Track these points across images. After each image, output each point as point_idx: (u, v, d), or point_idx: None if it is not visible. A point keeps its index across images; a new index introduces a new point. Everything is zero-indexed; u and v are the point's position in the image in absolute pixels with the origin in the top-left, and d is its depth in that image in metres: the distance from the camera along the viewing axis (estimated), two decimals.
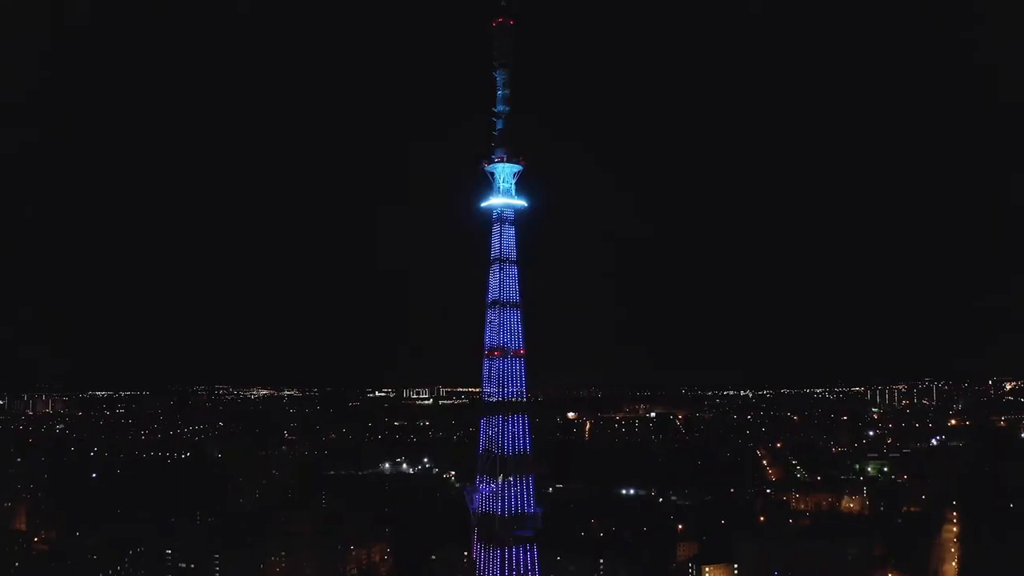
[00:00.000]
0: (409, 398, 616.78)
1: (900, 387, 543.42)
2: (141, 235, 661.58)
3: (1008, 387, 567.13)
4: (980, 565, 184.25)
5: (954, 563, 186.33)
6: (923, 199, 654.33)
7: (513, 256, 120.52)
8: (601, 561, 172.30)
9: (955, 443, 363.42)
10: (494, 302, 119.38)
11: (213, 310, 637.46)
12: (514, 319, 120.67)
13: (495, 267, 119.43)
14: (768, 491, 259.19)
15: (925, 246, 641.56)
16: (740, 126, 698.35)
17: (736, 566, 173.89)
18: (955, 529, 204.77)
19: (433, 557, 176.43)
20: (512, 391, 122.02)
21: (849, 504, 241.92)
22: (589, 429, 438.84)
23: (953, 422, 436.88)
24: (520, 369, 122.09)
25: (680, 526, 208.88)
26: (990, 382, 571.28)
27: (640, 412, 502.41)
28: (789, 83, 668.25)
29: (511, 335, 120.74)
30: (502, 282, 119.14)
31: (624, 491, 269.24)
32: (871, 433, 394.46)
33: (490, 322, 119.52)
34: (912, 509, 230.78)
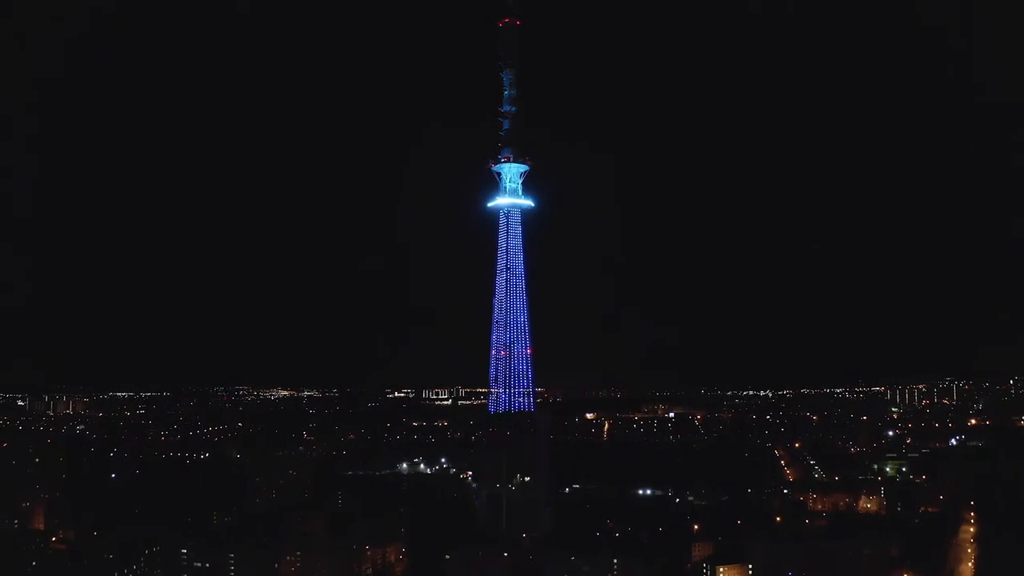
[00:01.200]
0: (428, 399, 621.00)
1: (920, 387, 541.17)
2: (158, 235, 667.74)
3: None
4: (998, 566, 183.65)
5: (971, 564, 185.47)
6: (941, 198, 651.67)
7: (520, 257, 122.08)
8: (615, 561, 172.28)
9: (974, 443, 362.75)
10: (500, 302, 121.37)
11: (232, 310, 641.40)
12: (521, 319, 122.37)
13: (502, 274, 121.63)
14: (785, 491, 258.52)
15: (945, 244, 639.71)
16: (748, 120, 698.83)
17: (751, 567, 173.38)
18: (972, 529, 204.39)
19: (447, 556, 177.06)
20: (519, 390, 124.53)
21: (866, 504, 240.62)
22: (608, 429, 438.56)
23: (973, 422, 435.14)
24: (527, 367, 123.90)
25: (696, 526, 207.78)
26: (1011, 381, 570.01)
27: (659, 413, 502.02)
28: (793, 82, 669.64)
29: (519, 335, 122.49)
30: (509, 285, 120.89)
31: (640, 491, 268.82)
32: (890, 433, 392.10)
33: (497, 323, 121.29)
34: (930, 509, 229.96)
